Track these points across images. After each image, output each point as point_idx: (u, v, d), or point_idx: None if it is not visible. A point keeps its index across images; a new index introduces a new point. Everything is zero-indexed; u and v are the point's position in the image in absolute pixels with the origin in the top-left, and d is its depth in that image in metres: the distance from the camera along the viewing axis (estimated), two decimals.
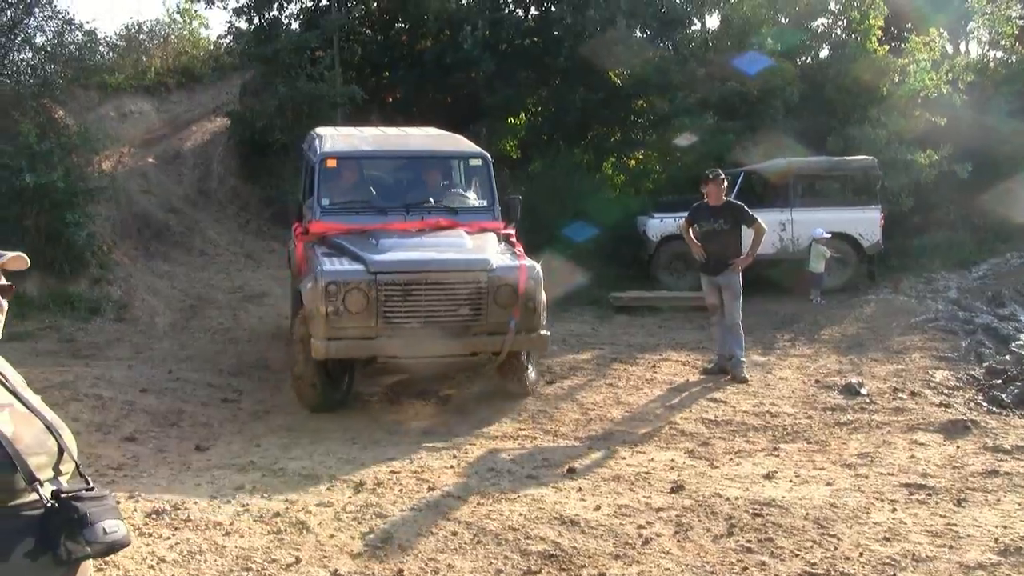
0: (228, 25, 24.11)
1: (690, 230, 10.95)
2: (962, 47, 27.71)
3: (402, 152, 10.89)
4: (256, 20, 21.90)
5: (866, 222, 17.76)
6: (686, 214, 11.14)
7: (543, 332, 9.24)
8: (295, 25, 22.46)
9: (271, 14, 21.96)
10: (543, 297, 9.21)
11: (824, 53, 23.17)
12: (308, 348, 8.74)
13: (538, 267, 9.13)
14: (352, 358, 9.02)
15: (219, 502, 6.38)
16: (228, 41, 23.66)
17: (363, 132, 12.12)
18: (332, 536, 5.84)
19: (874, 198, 17.94)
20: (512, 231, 10.14)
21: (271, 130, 19.37)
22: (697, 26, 23.94)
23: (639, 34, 22.70)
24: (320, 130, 11.76)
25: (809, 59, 23.06)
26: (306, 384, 9.05)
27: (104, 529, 2.59)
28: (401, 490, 6.75)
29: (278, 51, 20.02)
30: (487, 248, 9.28)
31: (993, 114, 22.36)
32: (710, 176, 10.76)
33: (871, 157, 18.17)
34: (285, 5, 22.35)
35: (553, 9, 22.70)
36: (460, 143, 11.28)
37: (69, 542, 2.53)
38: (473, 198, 10.47)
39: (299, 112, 19.15)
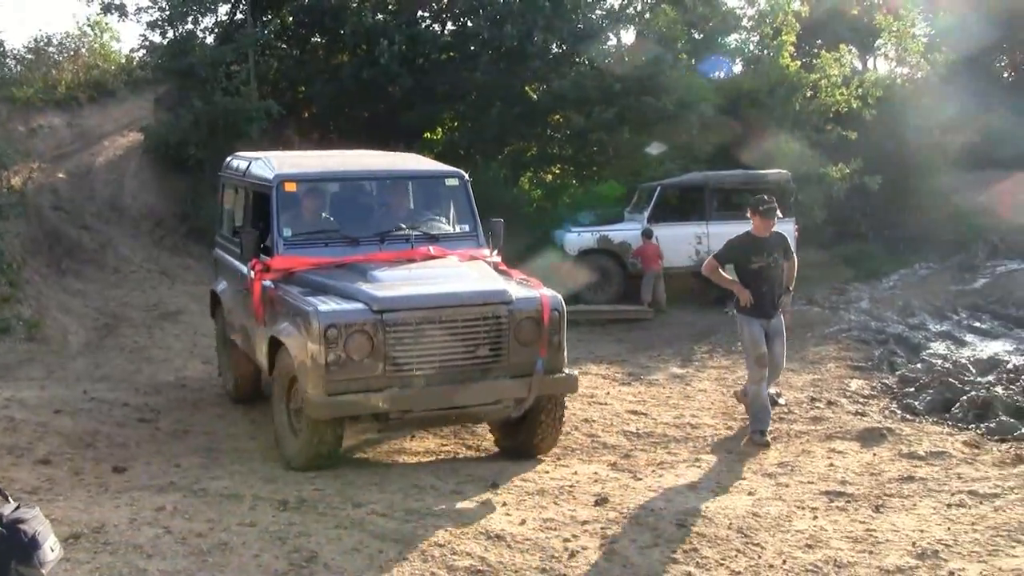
0: (142, 39, 23.71)
1: (722, 269, 9.06)
2: (870, 63, 28.38)
3: (369, 173, 9.43)
4: (170, 34, 21.57)
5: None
6: (716, 253, 9.20)
7: (572, 372, 8.05)
8: (210, 39, 22.19)
9: (185, 28, 21.64)
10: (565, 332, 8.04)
11: (738, 68, 23.52)
12: (286, 407, 7.86)
13: (560, 297, 7.95)
14: (357, 415, 7.60)
15: (139, 524, 6.25)
16: (142, 55, 23.29)
17: (308, 155, 10.79)
18: (256, 556, 5.76)
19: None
20: (499, 258, 9.01)
21: (186, 145, 19.12)
22: (613, 41, 24.15)
23: (556, 49, 22.82)
24: (247, 154, 10.25)
25: (723, 74, 23.38)
26: (311, 444, 7.60)
27: (51, 548, 2.52)
28: (326, 508, 6.68)
29: (193, 65, 19.77)
30: (495, 278, 8.20)
31: (901, 129, 22.92)
32: (761, 208, 8.83)
33: (785, 171, 18.47)
34: (200, 19, 22.06)
35: (470, 24, 22.73)
36: (427, 162, 10.26)
37: (22, 567, 2.44)
38: (453, 223, 9.21)
39: (215, 127, 18.92)
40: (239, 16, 22.81)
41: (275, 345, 7.96)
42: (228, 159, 10.70)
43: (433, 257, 8.41)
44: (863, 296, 18.18)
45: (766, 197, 9.12)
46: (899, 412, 9.63)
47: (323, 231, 8.64)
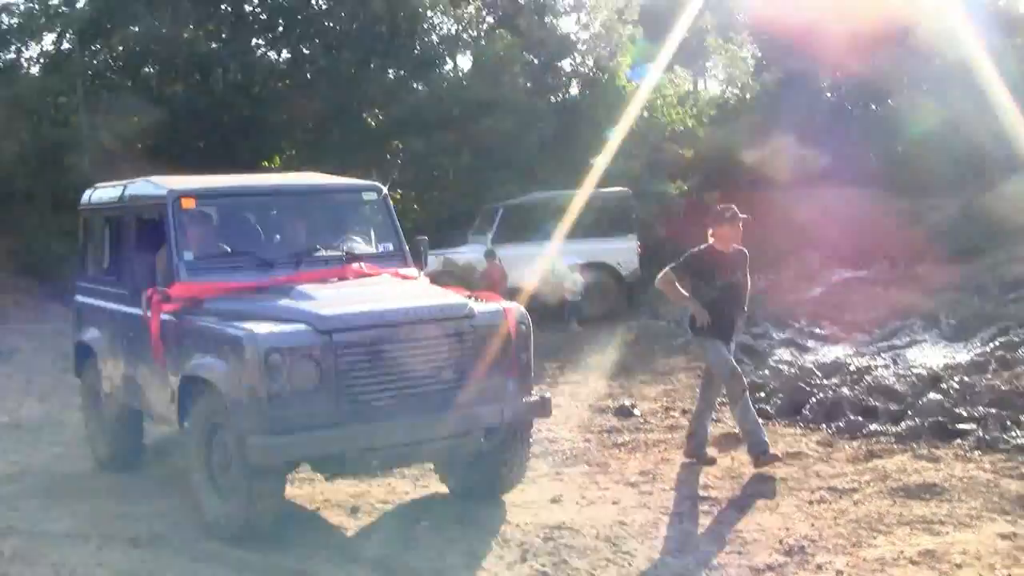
0: None
1: (678, 284, 8.08)
2: (700, 84, 29.12)
3: (276, 188, 8.31)
4: None
5: (624, 251, 18.29)
6: (673, 265, 8.10)
7: (544, 394, 7.22)
8: (35, 69, 21.36)
9: (8, 56, 20.79)
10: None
11: (574, 90, 23.79)
12: (205, 463, 6.52)
13: (523, 310, 7.07)
14: (308, 460, 6.49)
15: None
16: None
17: (192, 177, 8.54)
18: None
19: (631, 228, 18.47)
20: (427, 280, 7.91)
21: (14, 178, 18.30)
22: (451, 66, 24.16)
23: (394, 75, 22.71)
24: (113, 183, 8.73)
25: (562, 96, 23.61)
26: (247, 503, 6.19)
27: None
28: (180, 542, 6.36)
29: (17, 95, 18.97)
30: (446, 293, 7.21)
31: (734, 146, 23.51)
32: (727, 215, 7.98)
33: (626, 188, 18.70)
34: (24, 49, 21.22)
35: (306, 51, 22.45)
36: (334, 178, 8.85)
37: None
38: (374, 242, 8.13)
39: (44, 159, 18.17)
40: (66, 46, 22.01)
41: (187, 389, 6.65)
42: (88, 193, 9.10)
43: (366, 275, 7.34)
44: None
45: (722, 206, 8.23)
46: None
47: (231, 253, 7.37)
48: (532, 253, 17.64)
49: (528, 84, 22.48)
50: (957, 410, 9.00)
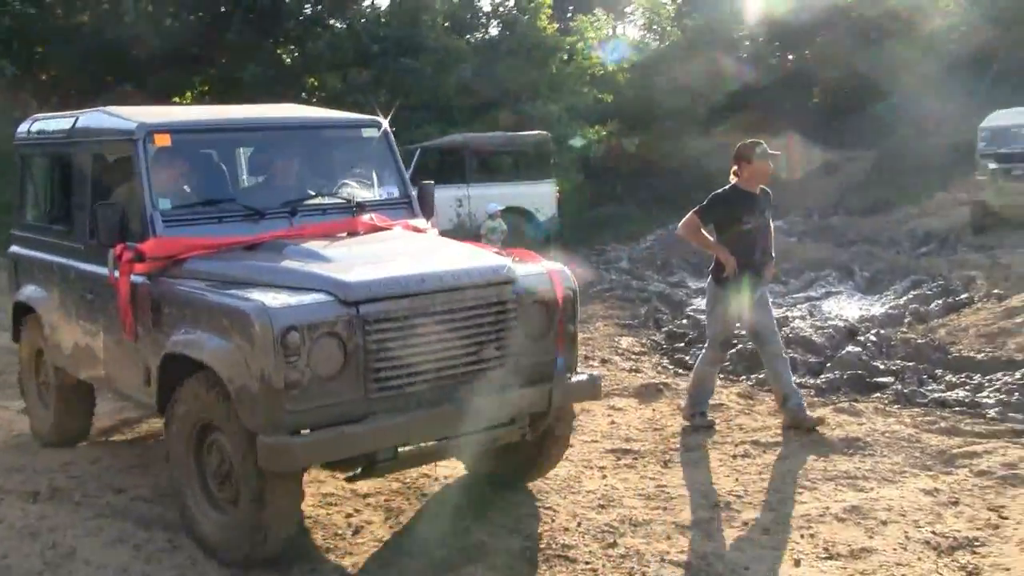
0: None
1: (703, 228, 7.39)
2: (620, 30, 28.98)
3: (265, 122, 6.86)
4: None
5: (541, 196, 18.10)
6: (697, 208, 7.38)
7: (592, 372, 6.36)
8: None
9: None
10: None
11: (495, 31, 23.49)
12: (197, 469, 5.35)
13: (570, 273, 5.91)
14: (336, 462, 5.21)
15: None
16: None
17: (156, 108, 7.35)
18: (4, 558, 5.16)
19: (548, 172, 18.32)
20: (436, 231, 6.86)
21: None
22: (369, 2, 23.65)
23: (310, 10, 22.16)
24: (60, 114, 7.36)
25: (481, 36, 23.29)
26: (259, 521, 5.01)
27: None
28: (82, 497, 6.07)
29: None
30: (481, 252, 6.00)
31: (655, 92, 23.45)
32: (757, 151, 7.25)
33: (544, 132, 18.53)
34: None
35: None
36: (326, 111, 7.57)
37: None
38: (375, 187, 6.94)
39: None
40: None
41: (172, 369, 5.41)
42: (26, 125, 7.69)
43: (379, 228, 6.27)
44: (622, 256, 18.53)
45: (751, 140, 7.43)
46: (671, 367, 9.70)
47: (214, 201, 6.11)
48: (449, 196, 17.40)
49: (447, 24, 22.08)
50: (875, 363, 9.08)
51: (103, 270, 5.95)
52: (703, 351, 7.67)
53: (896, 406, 7.76)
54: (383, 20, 22.12)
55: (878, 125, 24.34)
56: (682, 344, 10.51)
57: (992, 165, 17.86)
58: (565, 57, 21.47)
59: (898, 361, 9.14)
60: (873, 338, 9.90)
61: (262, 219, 6.03)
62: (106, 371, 6.44)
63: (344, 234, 6.08)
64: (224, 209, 6.06)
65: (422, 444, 5.29)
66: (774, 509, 5.77)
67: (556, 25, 22.18)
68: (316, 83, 22.29)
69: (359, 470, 5.18)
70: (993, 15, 25.01)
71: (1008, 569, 4.88)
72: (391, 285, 5.05)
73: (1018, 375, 8.37)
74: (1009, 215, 18.03)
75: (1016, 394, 7.87)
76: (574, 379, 5.80)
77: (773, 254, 7.61)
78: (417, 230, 6.46)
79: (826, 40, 26.57)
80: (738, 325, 7.74)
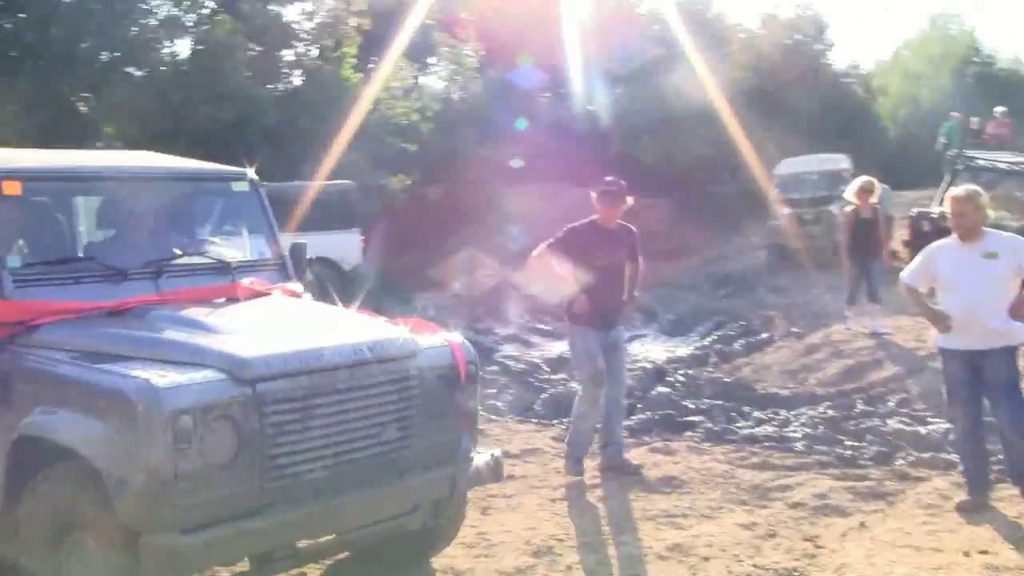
0: None
1: (554, 261, 7.25)
2: (423, 79, 29.14)
3: (128, 172, 5.92)
4: None
5: (346, 245, 17.90)
6: (550, 241, 7.25)
7: (493, 452, 5.58)
8: None
9: None
10: None
11: (298, 80, 23.26)
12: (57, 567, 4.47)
13: (469, 344, 5.48)
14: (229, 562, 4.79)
15: None
16: None
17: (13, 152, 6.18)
18: None
19: (353, 222, 18.16)
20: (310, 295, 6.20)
21: None
22: (169, 50, 23.04)
23: (107, 56, 21.42)
24: None
25: (284, 86, 23.03)
26: None
27: None
28: None
29: None
30: (373, 321, 5.43)
31: (458, 142, 23.64)
32: (600, 191, 7.16)
33: (349, 181, 18.39)
34: None
35: (8, 26, 20.80)
36: (186, 161, 6.65)
37: None
38: (243, 246, 6.18)
39: None
40: None
41: (24, 457, 4.60)
42: None
43: (260, 293, 5.57)
44: (428, 305, 18.46)
45: (609, 179, 7.28)
46: (484, 413, 9.64)
47: (69, 259, 5.37)
48: None
49: (248, 73, 21.71)
50: (684, 402, 9.27)
51: None
52: (579, 399, 7.39)
53: (708, 443, 7.92)
54: (183, 68, 21.56)
55: (675, 172, 25.21)
56: (494, 390, 10.48)
57: (785, 210, 18.62)
58: (370, 107, 21.38)
59: (707, 400, 9.37)
60: (681, 378, 10.14)
61: (124, 280, 5.24)
62: None
63: (222, 300, 5.41)
64: (80, 268, 5.26)
65: (324, 539, 4.78)
66: (596, 551, 5.78)
67: (360, 75, 22.07)
68: (114, 132, 21.52)
69: (248, 568, 4.56)
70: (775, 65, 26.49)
71: None
72: (290, 361, 4.48)
73: (820, 409, 8.68)
74: (802, 257, 18.87)
75: (820, 427, 8.17)
76: (481, 463, 5.30)
77: (636, 294, 7.53)
78: (294, 294, 5.82)
79: (626, 93, 27.44)
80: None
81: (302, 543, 4.66)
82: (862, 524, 6.09)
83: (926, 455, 7.48)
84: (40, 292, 5.00)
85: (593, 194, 7.19)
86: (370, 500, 4.77)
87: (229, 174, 6.15)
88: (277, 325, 5.01)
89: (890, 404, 9.07)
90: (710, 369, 10.95)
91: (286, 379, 4.43)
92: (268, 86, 22.01)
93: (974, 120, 24.20)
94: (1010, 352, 6.11)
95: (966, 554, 5.38)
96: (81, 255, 5.49)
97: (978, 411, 6.25)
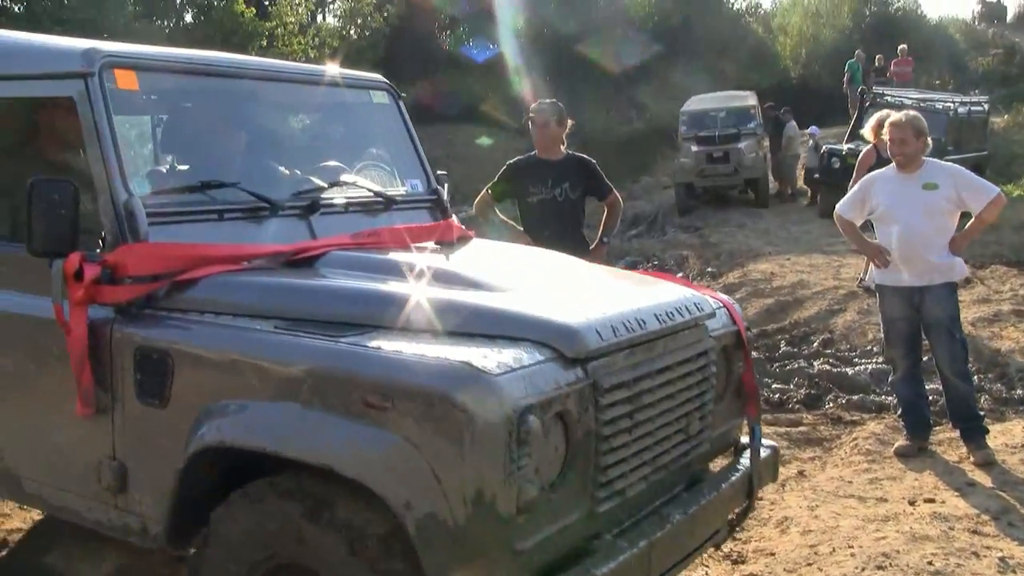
0: None
1: (494, 206, 6.07)
2: (319, 17, 28.29)
3: (274, 70, 4.33)
4: None
5: None
6: (492, 182, 6.04)
7: (771, 443, 4.25)
8: None
9: None
10: None
11: (189, 17, 22.36)
12: None
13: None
14: None
15: None
16: None
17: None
18: None
19: None
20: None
21: None
22: None
23: None
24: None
25: (175, 22, 22.13)
26: None
27: None
28: None
29: None
30: (643, 276, 4.36)
31: None
32: (548, 110, 5.91)
33: None
34: None
35: None
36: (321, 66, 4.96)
37: None
38: (395, 176, 4.72)
39: None
40: None
41: (197, 476, 3.13)
42: None
43: (465, 235, 4.47)
44: None
45: (547, 101, 6.10)
46: None
47: (210, 184, 3.68)
48: None
49: (138, 8, 20.75)
50: None
51: (35, 300, 3.48)
52: None
53: None
54: (66, 2, 20.51)
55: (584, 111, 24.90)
56: None
57: (694, 148, 18.35)
58: (264, 43, 20.60)
59: None
60: None
61: (271, 217, 3.78)
62: (16, 464, 3.79)
63: (434, 245, 4.13)
64: (223, 200, 3.68)
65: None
66: None
67: (254, 11, 21.22)
68: None
69: None
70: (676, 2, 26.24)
71: (772, 553, 4.67)
72: (618, 329, 3.11)
73: None
74: (712, 195, 18.68)
75: None
76: (769, 454, 4.05)
77: (607, 240, 6.06)
78: (463, 237, 4.47)
79: (535, 26, 27.01)
80: None
81: None
82: (800, 473, 5.81)
83: (855, 397, 7.25)
84: (180, 232, 3.49)
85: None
86: (696, 521, 3.43)
87: (368, 82, 4.71)
88: (546, 279, 3.69)
89: (815, 345, 8.85)
90: None
91: (617, 355, 3.08)
92: (157, 22, 21.07)
93: (879, 57, 24.30)
94: (950, 288, 5.83)
95: (912, 503, 5.10)
96: (222, 181, 3.71)
97: (918, 351, 5.99)
